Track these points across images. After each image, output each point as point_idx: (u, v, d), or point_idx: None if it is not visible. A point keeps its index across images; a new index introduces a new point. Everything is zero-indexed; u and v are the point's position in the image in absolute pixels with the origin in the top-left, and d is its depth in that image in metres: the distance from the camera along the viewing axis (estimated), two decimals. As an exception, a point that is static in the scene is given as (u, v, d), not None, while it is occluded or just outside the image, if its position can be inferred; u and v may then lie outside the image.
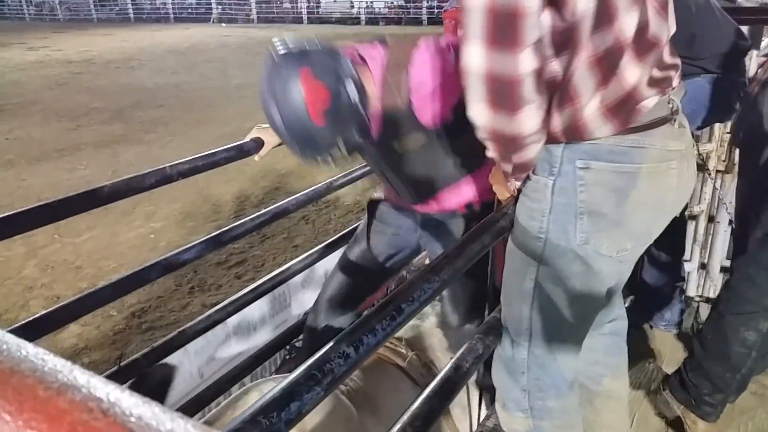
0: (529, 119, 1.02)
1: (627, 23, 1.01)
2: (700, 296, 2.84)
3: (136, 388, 1.64)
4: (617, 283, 1.35)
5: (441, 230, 1.79)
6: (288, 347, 2.10)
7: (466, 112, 1.06)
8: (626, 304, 2.03)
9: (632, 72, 1.05)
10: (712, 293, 2.80)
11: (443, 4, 19.77)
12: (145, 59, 14.08)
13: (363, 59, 1.52)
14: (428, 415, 1.02)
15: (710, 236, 2.76)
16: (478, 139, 1.11)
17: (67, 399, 0.27)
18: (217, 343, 1.87)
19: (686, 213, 2.58)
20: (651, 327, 2.56)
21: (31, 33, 20.57)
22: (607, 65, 1.03)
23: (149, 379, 1.68)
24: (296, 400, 0.71)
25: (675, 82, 1.16)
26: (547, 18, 1.00)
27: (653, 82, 1.09)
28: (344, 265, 1.99)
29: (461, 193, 1.70)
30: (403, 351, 1.80)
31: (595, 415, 1.57)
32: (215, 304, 3.89)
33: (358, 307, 1.99)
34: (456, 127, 1.53)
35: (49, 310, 1.43)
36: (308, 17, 23.61)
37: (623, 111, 1.07)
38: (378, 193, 1.98)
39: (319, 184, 2.17)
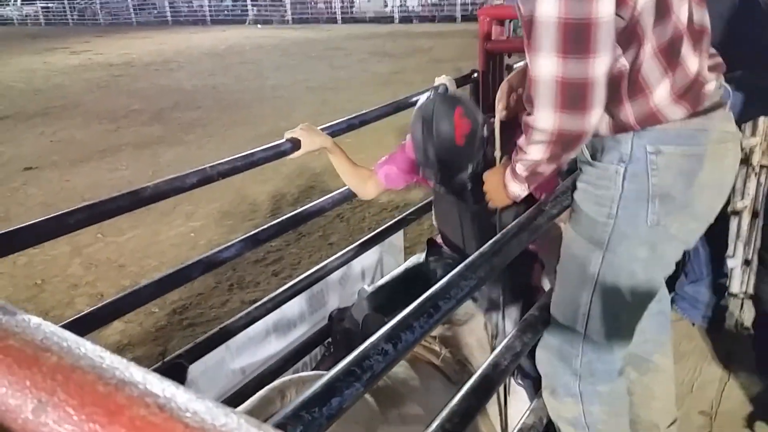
0: (594, 118, 1.08)
1: (682, 13, 1.08)
2: (744, 293, 2.76)
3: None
4: (673, 267, 1.37)
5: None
6: (326, 343, 2.12)
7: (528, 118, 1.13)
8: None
9: (693, 58, 1.12)
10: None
11: (477, 1, 19.63)
12: (182, 61, 14.34)
13: None
14: (466, 413, 1.02)
15: (754, 232, 2.68)
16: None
17: (125, 395, 0.29)
18: (258, 340, 1.90)
19: (729, 209, 2.52)
20: (693, 324, 2.51)
21: (74, 37, 21.16)
22: (670, 54, 1.09)
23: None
24: (337, 396, 0.72)
25: (724, 68, 1.23)
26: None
27: (710, 68, 1.16)
28: (396, 281, 2.06)
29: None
30: (437, 348, 1.79)
31: (646, 389, 1.63)
32: (254, 301, 3.96)
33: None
34: None
35: (94, 307, 1.48)
36: (342, 17, 23.71)
37: (691, 95, 1.13)
38: (437, 238, 2.15)
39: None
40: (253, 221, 5.06)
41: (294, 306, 2.02)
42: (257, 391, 1.87)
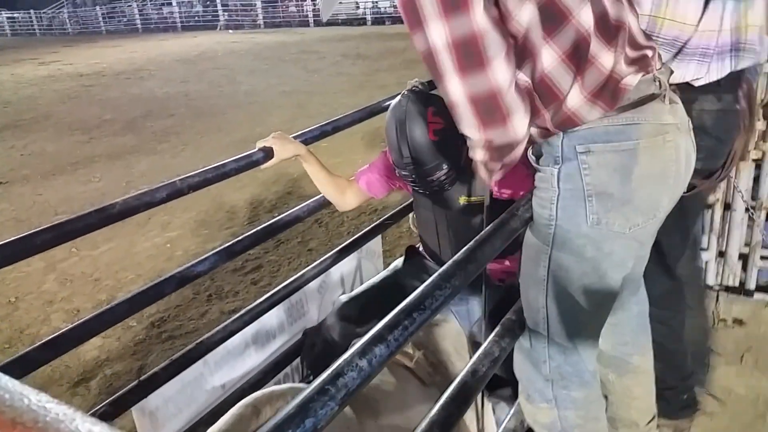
0: (519, 125, 1.10)
1: (583, 16, 1.08)
2: (720, 285, 2.80)
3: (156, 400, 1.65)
4: (634, 264, 1.37)
5: (470, 290, 1.91)
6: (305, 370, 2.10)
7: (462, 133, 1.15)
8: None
9: (606, 57, 1.11)
10: (731, 281, 2.76)
11: None
12: (154, 69, 14.19)
13: None
14: (445, 422, 1.02)
15: (727, 224, 2.72)
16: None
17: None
18: (236, 353, 1.88)
19: (701, 201, 2.55)
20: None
21: (41, 48, 20.83)
22: (578, 57, 1.10)
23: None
24: (311, 417, 0.71)
25: (657, 63, 1.23)
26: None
27: (631, 62, 1.16)
28: (371, 291, 2.07)
29: (499, 270, 1.90)
30: (410, 351, 1.78)
31: (625, 390, 1.64)
32: (233, 311, 3.96)
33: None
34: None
35: (68, 327, 1.44)
36: (314, 20, 23.64)
37: (607, 93, 1.13)
38: (417, 245, 2.17)
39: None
40: (231, 229, 5.01)
41: (272, 317, 2.00)
42: (237, 405, 1.86)
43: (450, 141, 1.76)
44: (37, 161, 7.19)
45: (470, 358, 1.76)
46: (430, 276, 1.95)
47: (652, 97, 1.18)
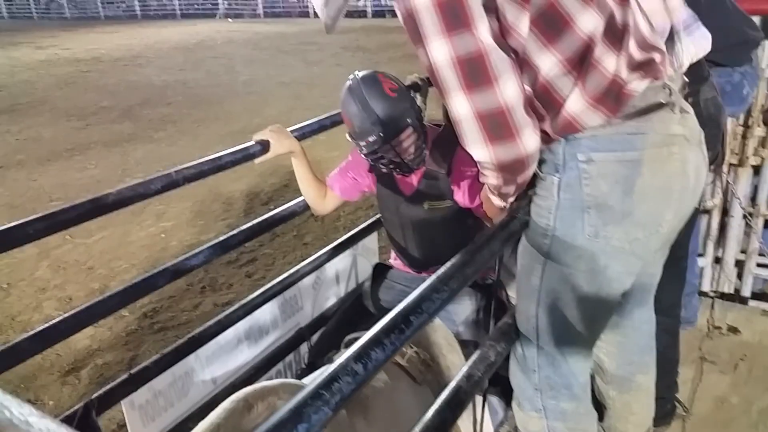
0: (529, 141, 1.08)
1: (585, 22, 1.05)
2: (715, 291, 2.80)
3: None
4: (642, 279, 1.34)
5: None
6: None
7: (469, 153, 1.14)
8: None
9: (609, 61, 1.08)
10: (727, 288, 2.76)
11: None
12: (152, 56, 14.10)
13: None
14: (440, 427, 1.00)
15: (724, 231, 2.72)
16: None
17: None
18: (229, 348, 1.86)
19: (699, 207, 2.54)
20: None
21: (39, 32, 20.67)
22: (580, 62, 1.07)
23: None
24: (304, 422, 0.69)
25: (667, 69, 1.18)
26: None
27: (636, 67, 1.11)
28: (348, 312, 2.12)
29: None
30: (403, 348, 1.76)
31: (624, 405, 1.62)
32: (227, 303, 3.94)
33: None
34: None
35: (59, 318, 1.43)
36: (314, 11, 23.49)
37: (610, 98, 1.09)
38: (385, 261, 2.22)
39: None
40: (226, 221, 4.98)
41: (266, 312, 1.98)
42: (228, 401, 1.84)
43: (408, 101, 1.83)
44: (33, 147, 7.14)
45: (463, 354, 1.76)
46: (403, 286, 2.02)
47: (660, 106, 1.13)
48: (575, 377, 1.33)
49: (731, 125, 2.47)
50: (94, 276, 4.30)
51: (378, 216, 2.47)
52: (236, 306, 1.88)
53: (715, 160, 1.74)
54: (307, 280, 2.13)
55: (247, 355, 1.96)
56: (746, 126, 2.47)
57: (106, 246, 4.64)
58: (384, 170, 1.92)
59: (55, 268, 4.35)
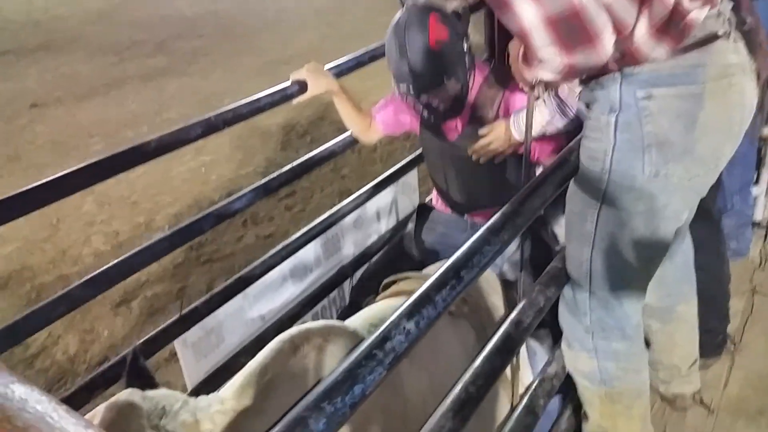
0: (608, 44, 1.00)
1: None
2: (768, 220, 2.71)
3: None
4: (686, 216, 1.30)
5: None
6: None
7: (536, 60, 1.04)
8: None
9: None
10: (781, 218, 2.66)
11: None
12: (182, -15, 13.83)
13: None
14: (490, 374, 1.01)
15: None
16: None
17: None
18: (275, 287, 1.90)
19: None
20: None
21: (68, -37, 20.41)
22: None
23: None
24: (359, 383, 0.70)
25: None
26: None
27: None
28: (392, 252, 2.08)
29: None
30: None
31: (668, 337, 1.61)
32: (268, 236, 4.00)
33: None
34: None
35: (110, 264, 1.46)
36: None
37: (673, 28, 1.03)
38: (428, 201, 2.15)
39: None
40: (264, 154, 4.99)
41: (309, 251, 2.00)
42: (277, 335, 1.89)
43: (453, 56, 1.65)
44: (70, 83, 7.19)
45: (503, 294, 1.75)
46: (444, 228, 1.99)
47: (716, 36, 1.07)
48: (628, 318, 1.32)
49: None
50: (138, 210, 4.39)
51: (418, 152, 2.43)
52: (280, 246, 1.90)
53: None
54: (349, 219, 2.14)
55: (293, 292, 1.99)
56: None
57: (148, 181, 4.71)
58: (419, 112, 1.84)
59: (101, 203, 4.44)
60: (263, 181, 1.83)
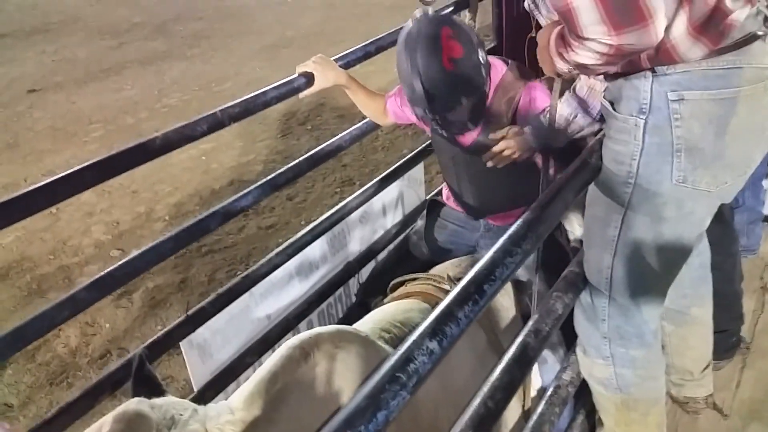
0: (660, 26, 0.93)
1: None
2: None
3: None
4: (709, 221, 1.27)
5: (503, 234, 1.81)
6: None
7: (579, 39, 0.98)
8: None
9: None
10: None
11: None
12: (180, -34, 13.66)
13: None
14: (509, 387, 0.98)
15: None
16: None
17: None
18: (281, 285, 1.87)
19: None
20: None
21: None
22: None
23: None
24: (382, 409, 0.67)
25: None
26: None
27: None
28: (400, 251, 2.07)
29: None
30: (448, 287, 1.72)
31: (681, 340, 1.59)
32: (270, 227, 3.96)
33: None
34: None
35: (115, 266, 1.43)
36: None
37: (712, 28, 0.98)
38: (439, 197, 2.09)
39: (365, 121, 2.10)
40: (265, 141, 4.94)
41: (315, 248, 1.97)
42: (282, 336, 1.87)
43: (470, 71, 1.56)
44: (69, 67, 7.11)
45: (513, 295, 1.73)
46: (456, 225, 1.95)
47: (754, 37, 1.02)
48: (647, 325, 1.29)
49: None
50: (139, 199, 4.35)
51: (424, 144, 2.39)
52: (286, 244, 1.87)
53: None
54: (355, 215, 2.10)
55: (299, 290, 1.97)
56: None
57: (148, 169, 4.63)
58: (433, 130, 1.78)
59: (100, 192, 4.39)
60: (269, 177, 1.80)
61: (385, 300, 1.68)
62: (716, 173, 1.09)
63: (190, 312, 1.58)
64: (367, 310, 1.59)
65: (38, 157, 5.07)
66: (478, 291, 0.82)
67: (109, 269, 1.41)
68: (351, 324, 1.41)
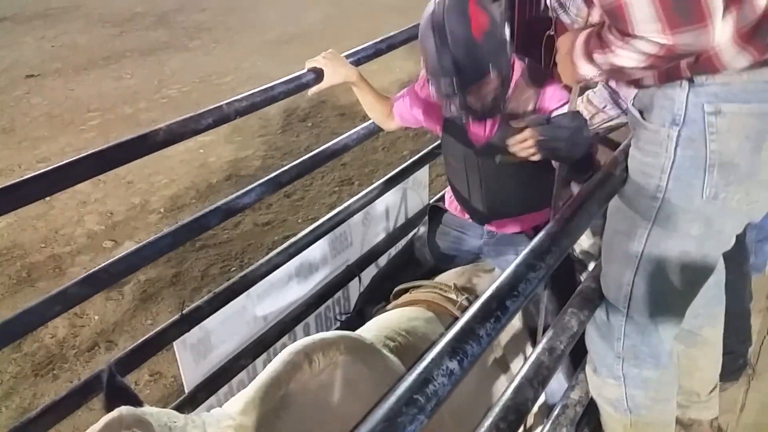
0: (719, 28, 0.88)
1: None
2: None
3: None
4: (734, 241, 1.22)
5: (507, 242, 1.84)
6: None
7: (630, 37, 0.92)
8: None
9: None
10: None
11: None
12: (184, -43, 13.57)
13: None
14: (522, 408, 0.93)
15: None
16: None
17: None
18: (280, 286, 1.82)
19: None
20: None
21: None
22: None
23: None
24: (399, 434, 0.61)
25: None
26: None
27: None
28: (403, 257, 2.02)
29: (531, 221, 1.82)
30: (453, 296, 1.68)
31: (690, 360, 1.54)
32: (266, 223, 3.90)
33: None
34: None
35: (110, 261, 1.38)
36: None
37: (760, 37, 0.93)
38: (441, 203, 2.05)
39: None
40: (264, 137, 4.88)
41: (316, 250, 1.92)
42: (278, 338, 1.82)
43: (496, 45, 1.55)
44: (69, 54, 7.02)
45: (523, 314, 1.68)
46: (458, 232, 1.91)
47: None
48: (663, 345, 1.25)
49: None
50: (134, 190, 4.29)
51: (431, 147, 2.34)
52: (287, 244, 1.82)
53: None
54: (357, 217, 2.06)
55: (298, 292, 1.92)
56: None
57: (144, 160, 4.50)
58: (454, 112, 1.73)
59: (95, 182, 4.31)
60: (272, 175, 1.75)
61: (388, 307, 1.64)
62: (749, 190, 1.05)
63: (185, 311, 1.53)
64: (363, 321, 1.54)
65: (34, 143, 4.99)
66: (501, 307, 0.77)
67: (103, 264, 1.35)
68: (350, 330, 1.36)
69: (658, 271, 1.14)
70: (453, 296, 1.67)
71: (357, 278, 2.07)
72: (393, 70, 5.00)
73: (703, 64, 0.96)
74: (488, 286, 1.69)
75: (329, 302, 2.00)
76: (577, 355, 1.40)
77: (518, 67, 1.71)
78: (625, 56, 0.95)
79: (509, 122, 1.63)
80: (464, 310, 1.62)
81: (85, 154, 1.24)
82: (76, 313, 3.10)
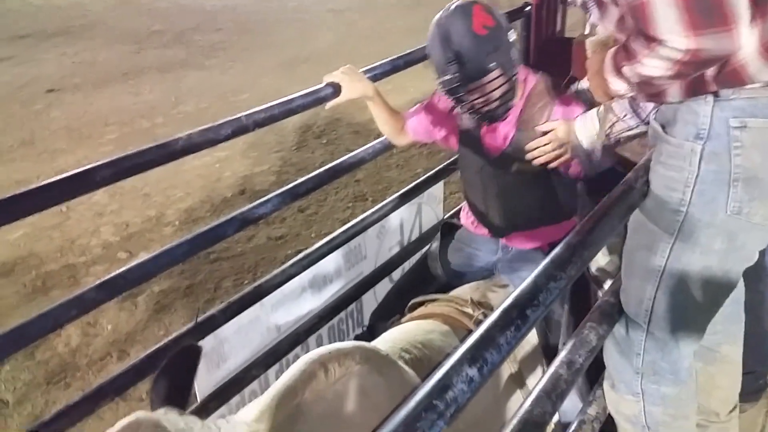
0: (744, 32, 0.88)
1: None
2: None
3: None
4: (757, 256, 1.21)
5: (522, 258, 1.84)
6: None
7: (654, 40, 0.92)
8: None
9: None
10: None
11: None
12: (202, -22, 13.82)
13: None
14: (540, 421, 0.91)
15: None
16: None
17: None
18: (294, 297, 1.82)
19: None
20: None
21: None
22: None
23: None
24: (418, 440, 0.61)
25: None
26: None
27: None
28: (415, 273, 2.04)
29: (547, 236, 1.81)
30: (469, 310, 1.67)
31: (709, 378, 1.51)
32: (279, 237, 3.91)
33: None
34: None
35: (126, 268, 1.38)
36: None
37: None
38: (455, 219, 2.07)
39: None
40: (279, 153, 4.91)
41: (330, 262, 1.92)
42: (291, 349, 1.82)
43: (500, 42, 1.59)
44: (88, 70, 7.14)
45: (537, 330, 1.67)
46: (472, 249, 1.91)
47: None
48: (682, 361, 1.23)
49: None
50: (150, 203, 4.32)
51: (446, 163, 2.35)
52: (301, 255, 1.82)
53: None
54: (372, 230, 2.06)
55: (311, 303, 1.92)
56: None
57: (161, 173, 4.61)
58: (463, 114, 1.74)
59: (112, 193, 4.36)
60: (289, 186, 1.75)
61: (403, 319, 1.63)
62: None
63: (200, 319, 1.53)
64: (374, 337, 1.54)
65: (52, 155, 5.06)
66: (521, 316, 0.77)
67: (119, 270, 1.36)
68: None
69: (680, 286, 1.13)
70: (469, 310, 1.66)
71: (371, 291, 2.07)
72: (407, 90, 5.03)
73: (729, 76, 0.96)
74: (503, 298, 1.69)
75: (342, 314, 1.99)
76: (592, 372, 1.39)
77: (532, 79, 1.73)
78: (652, 65, 0.95)
79: (522, 137, 1.65)
80: (480, 324, 1.61)
81: (105, 161, 1.26)
82: (89, 323, 3.12)
